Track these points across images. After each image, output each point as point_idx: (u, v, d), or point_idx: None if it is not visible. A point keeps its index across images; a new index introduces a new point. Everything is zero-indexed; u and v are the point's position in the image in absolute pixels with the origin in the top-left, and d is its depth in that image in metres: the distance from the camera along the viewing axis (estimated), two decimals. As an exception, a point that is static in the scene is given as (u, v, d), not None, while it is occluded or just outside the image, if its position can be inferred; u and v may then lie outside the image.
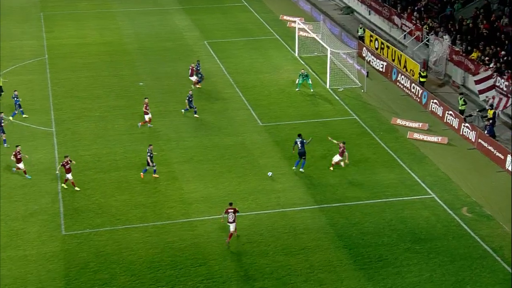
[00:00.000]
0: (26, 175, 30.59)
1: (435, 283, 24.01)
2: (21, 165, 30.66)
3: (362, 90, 40.75)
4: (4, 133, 33.66)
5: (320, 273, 24.43)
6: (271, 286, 23.86)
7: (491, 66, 37.08)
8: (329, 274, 24.41)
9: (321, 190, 29.87)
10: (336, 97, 40.00)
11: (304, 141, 31.09)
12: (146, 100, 35.82)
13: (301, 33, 47.31)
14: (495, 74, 36.34)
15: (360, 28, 48.38)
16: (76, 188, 29.56)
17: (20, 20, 53.97)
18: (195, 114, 36.74)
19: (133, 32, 51.51)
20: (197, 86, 40.03)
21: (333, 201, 29.07)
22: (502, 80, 35.90)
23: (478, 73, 37.37)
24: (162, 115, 37.31)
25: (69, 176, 29.60)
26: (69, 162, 29.59)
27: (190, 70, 40.57)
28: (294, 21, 49.31)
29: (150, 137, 34.67)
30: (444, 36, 41.41)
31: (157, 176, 30.74)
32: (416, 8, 46.28)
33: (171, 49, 47.84)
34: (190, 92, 36.88)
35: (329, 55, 41.36)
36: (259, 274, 24.40)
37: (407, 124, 36.20)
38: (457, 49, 40.51)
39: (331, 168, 31.24)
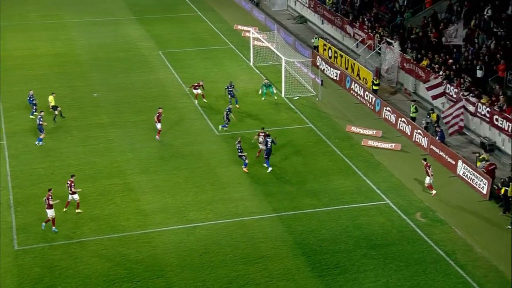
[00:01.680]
0: (53, 228, 27.07)
1: (392, 288, 24.37)
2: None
3: (317, 99, 41.16)
4: (41, 132, 34.48)
5: (279, 282, 24.49)
6: (230, 296, 23.83)
7: (440, 74, 38.00)
8: (288, 282, 24.49)
9: (278, 198, 29.99)
10: (292, 105, 40.30)
11: (273, 140, 32.08)
12: (160, 110, 35.43)
13: (255, 42, 47.55)
14: (444, 81, 37.25)
15: (315, 38, 48.92)
16: (78, 210, 28.44)
17: (-32, 31, 52.75)
18: (225, 127, 36.16)
19: (85, 42, 50.84)
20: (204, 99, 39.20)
21: (290, 209, 29.22)
22: (452, 87, 36.83)
23: (429, 81, 38.24)
24: (116, 126, 36.90)
25: (75, 197, 28.13)
26: (73, 182, 28.05)
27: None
28: (249, 31, 49.54)
29: (105, 149, 34.24)
30: (394, 43, 42.16)
31: (247, 171, 31.83)
32: (366, 18, 47.07)
33: (125, 59, 47.41)
34: (230, 107, 36.36)
35: (283, 64, 41.68)
36: (218, 285, 24.30)
37: (361, 132, 36.71)
38: (408, 57, 41.36)
39: (433, 192, 30.38)
